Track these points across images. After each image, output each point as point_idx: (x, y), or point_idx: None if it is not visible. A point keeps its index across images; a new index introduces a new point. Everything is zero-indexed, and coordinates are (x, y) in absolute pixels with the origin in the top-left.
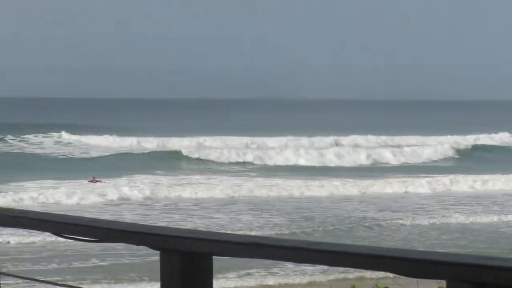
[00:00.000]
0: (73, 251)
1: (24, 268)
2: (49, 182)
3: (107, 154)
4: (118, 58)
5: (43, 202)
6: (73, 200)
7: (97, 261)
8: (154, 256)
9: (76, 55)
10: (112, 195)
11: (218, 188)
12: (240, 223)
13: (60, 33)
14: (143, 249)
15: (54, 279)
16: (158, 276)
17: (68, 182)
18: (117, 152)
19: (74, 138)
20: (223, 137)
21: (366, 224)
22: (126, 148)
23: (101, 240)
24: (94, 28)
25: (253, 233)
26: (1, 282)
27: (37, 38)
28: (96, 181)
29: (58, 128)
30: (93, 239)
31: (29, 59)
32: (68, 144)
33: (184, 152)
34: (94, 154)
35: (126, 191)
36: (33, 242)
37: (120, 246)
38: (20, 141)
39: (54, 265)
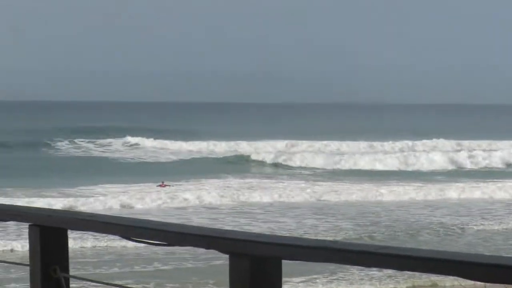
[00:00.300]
0: (135, 255)
1: (86, 272)
2: (118, 186)
3: (176, 158)
4: (183, 61)
5: (113, 206)
6: (142, 204)
7: (159, 265)
8: (217, 260)
9: (138, 60)
10: (181, 199)
11: (286, 192)
12: (306, 227)
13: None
14: (207, 253)
15: (119, 282)
16: (222, 279)
17: (138, 186)
18: (186, 156)
19: (141, 141)
20: (294, 141)
21: (432, 228)
22: (195, 152)
23: (169, 244)
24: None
25: (318, 238)
26: (71, 285)
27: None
28: (165, 185)
29: (124, 132)
30: (162, 242)
31: (97, 63)
32: (136, 148)
33: (254, 156)
34: (163, 158)
35: (194, 195)
36: (94, 247)
37: (182, 250)
38: (88, 142)
39: (116, 269)
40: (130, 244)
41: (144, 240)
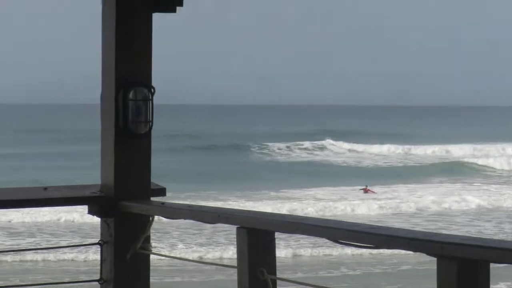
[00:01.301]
0: (317, 260)
1: None
2: (321, 189)
3: (381, 162)
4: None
5: (315, 209)
6: (343, 208)
7: (346, 270)
8: (405, 265)
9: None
10: (382, 204)
11: (491, 196)
12: (507, 232)
13: None
14: (392, 258)
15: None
16: (414, 284)
17: (341, 190)
18: (390, 160)
19: (341, 144)
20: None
21: None
22: (400, 157)
23: (377, 246)
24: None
25: None
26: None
27: None
28: (368, 190)
29: (324, 134)
30: (370, 245)
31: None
32: (336, 150)
33: (462, 160)
34: (366, 162)
35: (396, 201)
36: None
37: (368, 255)
38: (289, 145)
39: (300, 274)
40: (308, 250)
41: (352, 243)
